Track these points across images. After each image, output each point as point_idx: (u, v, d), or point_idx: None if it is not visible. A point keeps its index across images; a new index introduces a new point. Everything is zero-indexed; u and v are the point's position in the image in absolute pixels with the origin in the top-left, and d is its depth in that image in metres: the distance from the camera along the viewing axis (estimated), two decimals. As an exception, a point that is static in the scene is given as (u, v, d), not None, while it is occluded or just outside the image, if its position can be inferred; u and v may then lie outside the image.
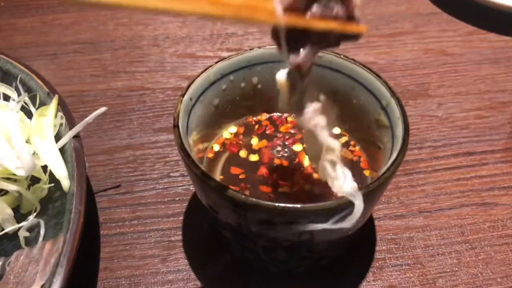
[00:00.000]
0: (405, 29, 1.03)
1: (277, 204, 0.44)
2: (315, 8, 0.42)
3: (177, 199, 0.70)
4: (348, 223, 0.43)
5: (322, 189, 0.58)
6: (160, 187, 0.72)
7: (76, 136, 0.62)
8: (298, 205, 0.44)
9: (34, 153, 0.60)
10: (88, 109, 0.84)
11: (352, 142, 0.64)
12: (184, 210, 0.69)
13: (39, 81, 0.69)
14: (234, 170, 0.61)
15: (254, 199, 0.45)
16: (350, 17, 0.44)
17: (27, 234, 0.55)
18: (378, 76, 0.59)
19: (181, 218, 0.68)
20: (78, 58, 0.95)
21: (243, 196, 0.45)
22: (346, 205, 0.44)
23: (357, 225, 0.54)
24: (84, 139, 0.78)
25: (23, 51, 0.97)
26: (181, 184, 0.72)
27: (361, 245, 0.64)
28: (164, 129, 0.81)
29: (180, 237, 0.66)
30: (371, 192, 0.47)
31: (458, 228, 0.67)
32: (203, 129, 0.60)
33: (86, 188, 0.57)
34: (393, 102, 0.56)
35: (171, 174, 0.74)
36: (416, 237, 0.66)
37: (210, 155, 0.63)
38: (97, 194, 0.71)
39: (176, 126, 0.52)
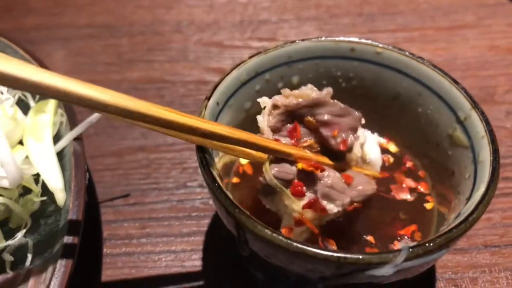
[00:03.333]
0: (466, 21, 0.88)
1: (339, 255, 0.33)
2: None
3: (193, 214, 0.60)
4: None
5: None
6: (175, 199, 0.62)
7: (78, 139, 0.52)
8: (360, 255, 0.33)
9: (26, 157, 0.50)
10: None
11: (408, 162, 0.52)
12: (201, 228, 0.58)
13: (40, 69, 0.58)
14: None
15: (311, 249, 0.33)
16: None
17: (11, 258, 0.46)
18: (454, 81, 0.46)
19: (198, 238, 0.57)
20: (91, 44, 0.85)
21: (294, 244, 0.33)
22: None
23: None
24: (91, 138, 0.68)
25: (33, 34, 0.87)
26: (199, 197, 0.62)
27: (413, 284, 0.52)
28: (183, 130, 0.70)
29: (195, 263, 0.55)
30: (453, 240, 0.35)
31: (537, 271, 0.54)
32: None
33: (85, 203, 0.47)
34: (474, 116, 0.43)
35: (188, 183, 0.63)
36: (482, 279, 0.54)
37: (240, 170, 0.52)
38: (103, 204, 0.61)
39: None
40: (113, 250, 0.56)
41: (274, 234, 0.34)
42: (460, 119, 0.45)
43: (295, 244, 0.33)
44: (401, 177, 0.51)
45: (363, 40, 0.49)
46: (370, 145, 0.49)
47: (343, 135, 0.44)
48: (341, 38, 0.49)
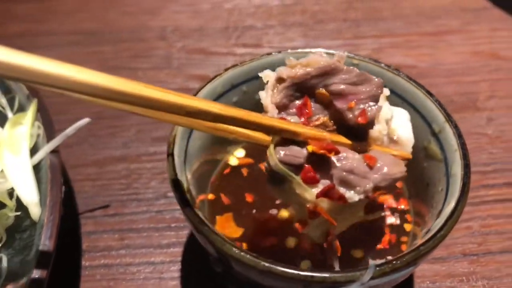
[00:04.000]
0: (450, 27, 0.89)
1: (306, 274, 0.33)
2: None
3: (173, 225, 0.60)
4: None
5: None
6: (155, 209, 0.61)
7: (55, 151, 0.52)
8: (326, 274, 0.33)
9: (1, 171, 0.50)
10: (80, 112, 0.72)
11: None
12: (180, 239, 0.58)
13: (18, 80, 0.58)
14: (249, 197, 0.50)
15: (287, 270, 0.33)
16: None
17: (-16, 274, 0.45)
18: (429, 93, 0.46)
19: (177, 249, 0.57)
20: (76, 51, 0.85)
21: (266, 265, 0.33)
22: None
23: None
24: (73, 147, 0.68)
25: (17, 41, 0.87)
26: (179, 208, 0.61)
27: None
28: (163, 139, 0.69)
29: (174, 274, 0.55)
30: (420, 257, 0.35)
31: (513, 278, 0.54)
32: (208, 151, 0.49)
33: (60, 217, 0.47)
34: (448, 129, 0.44)
35: (168, 194, 0.63)
36: (460, 288, 0.54)
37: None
38: (83, 215, 0.61)
39: (170, 154, 0.41)
40: (92, 262, 0.56)
41: (242, 253, 0.34)
42: (434, 131, 0.45)
43: (262, 263, 0.33)
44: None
45: (339, 52, 0.49)
46: (399, 121, 0.43)
47: (362, 106, 0.38)
48: (318, 50, 0.49)
